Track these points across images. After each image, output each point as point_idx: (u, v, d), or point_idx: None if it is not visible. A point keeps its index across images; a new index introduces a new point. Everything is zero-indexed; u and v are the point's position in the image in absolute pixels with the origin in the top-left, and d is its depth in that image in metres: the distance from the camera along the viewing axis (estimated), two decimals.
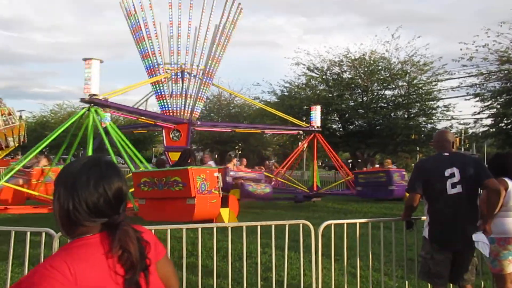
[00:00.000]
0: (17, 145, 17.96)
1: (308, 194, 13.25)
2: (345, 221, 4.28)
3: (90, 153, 7.78)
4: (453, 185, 3.49)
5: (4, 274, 4.92)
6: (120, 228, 1.28)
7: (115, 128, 8.67)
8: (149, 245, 1.35)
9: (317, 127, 13.74)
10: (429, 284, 4.08)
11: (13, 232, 3.64)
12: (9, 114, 18.19)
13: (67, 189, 1.28)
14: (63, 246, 1.29)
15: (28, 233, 3.74)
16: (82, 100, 8.42)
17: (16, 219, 8.82)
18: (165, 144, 12.16)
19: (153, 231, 3.79)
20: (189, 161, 7.46)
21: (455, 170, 3.51)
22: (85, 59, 8.33)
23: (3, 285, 4.75)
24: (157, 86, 11.97)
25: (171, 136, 11.89)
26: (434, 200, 3.59)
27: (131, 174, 7.39)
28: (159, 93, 12.02)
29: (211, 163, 11.41)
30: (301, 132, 14.97)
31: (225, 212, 7.32)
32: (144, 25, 11.68)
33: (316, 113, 13.95)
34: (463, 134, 24.05)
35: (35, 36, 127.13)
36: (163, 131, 12.12)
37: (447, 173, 3.51)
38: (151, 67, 11.82)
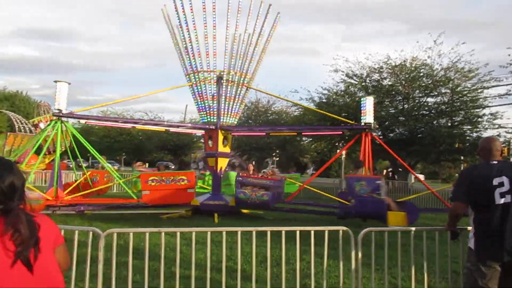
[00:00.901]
0: (63, 149, 18.84)
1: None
2: (386, 229, 4.19)
3: (57, 157, 10.48)
4: (502, 195, 3.34)
5: None
6: (12, 213, 1.61)
7: (79, 136, 11.25)
8: (47, 231, 1.71)
9: (366, 123, 10.94)
10: None
11: (62, 231, 3.81)
12: None
13: None
14: None
15: (76, 232, 3.91)
16: (53, 114, 10.51)
17: (62, 219, 9.22)
18: (205, 150, 12.79)
19: (193, 234, 3.87)
20: (185, 168, 12.17)
21: (504, 179, 3.36)
22: (55, 81, 10.30)
23: None
24: (193, 88, 12.18)
25: (209, 143, 12.10)
26: (481, 210, 3.45)
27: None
28: (195, 96, 12.23)
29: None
30: (346, 132, 14.01)
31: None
32: (186, 28, 11.86)
33: (368, 106, 10.90)
34: (511, 144, 22.95)
35: (82, 46, 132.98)
36: (204, 137, 12.56)
37: (495, 182, 3.36)
38: (189, 70, 12.06)
